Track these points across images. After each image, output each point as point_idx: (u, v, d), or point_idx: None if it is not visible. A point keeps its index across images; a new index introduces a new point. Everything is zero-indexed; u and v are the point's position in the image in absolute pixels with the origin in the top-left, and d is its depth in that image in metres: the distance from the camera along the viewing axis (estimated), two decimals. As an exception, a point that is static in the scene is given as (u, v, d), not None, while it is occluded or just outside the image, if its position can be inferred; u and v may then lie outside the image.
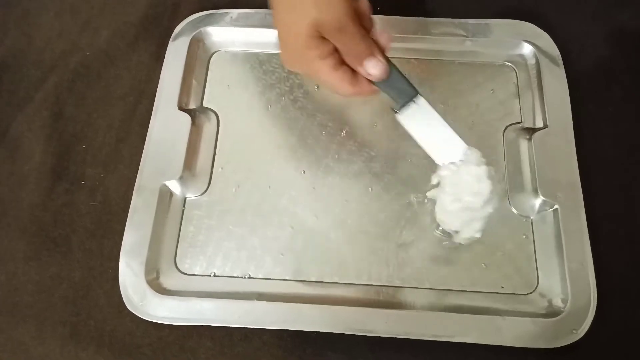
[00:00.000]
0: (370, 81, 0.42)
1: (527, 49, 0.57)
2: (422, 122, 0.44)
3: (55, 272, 0.49)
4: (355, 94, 0.42)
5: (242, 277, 0.48)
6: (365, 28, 0.40)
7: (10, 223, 0.51)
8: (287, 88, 0.56)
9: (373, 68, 0.41)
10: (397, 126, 0.54)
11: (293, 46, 0.41)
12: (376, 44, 0.41)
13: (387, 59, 0.41)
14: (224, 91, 0.56)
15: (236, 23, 0.57)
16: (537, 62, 0.55)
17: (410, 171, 0.52)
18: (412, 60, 0.57)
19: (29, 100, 0.57)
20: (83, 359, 0.46)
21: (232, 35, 0.58)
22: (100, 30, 0.61)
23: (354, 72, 0.41)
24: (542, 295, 0.47)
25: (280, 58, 0.44)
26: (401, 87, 0.43)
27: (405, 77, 0.43)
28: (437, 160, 0.45)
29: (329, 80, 0.41)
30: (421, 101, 0.44)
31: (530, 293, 0.47)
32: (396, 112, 0.44)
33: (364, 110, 0.55)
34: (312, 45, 0.39)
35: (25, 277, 0.49)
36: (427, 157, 0.52)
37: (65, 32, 0.61)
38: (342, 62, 0.41)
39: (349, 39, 0.39)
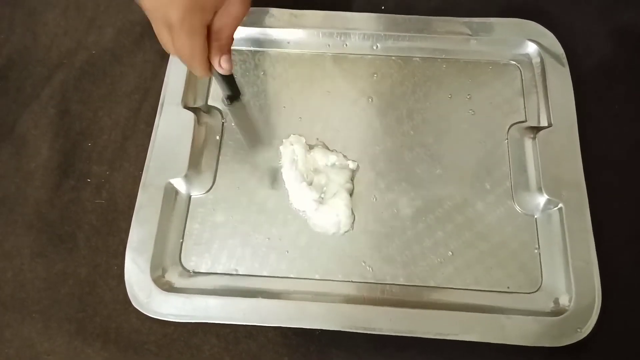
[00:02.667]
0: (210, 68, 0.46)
1: (531, 48, 0.56)
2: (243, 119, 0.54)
3: (62, 268, 0.50)
4: (200, 64, 0.44)
5: (246, 275, 0.48)
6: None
7: (16, 220, 0.52)
8: (292, 85, 0.56)
9: (226, 62, 0.45)
10: (402, 126, 0.54)
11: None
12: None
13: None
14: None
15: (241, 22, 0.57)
16: (542, 61, 0.55)
17: (414, 169, 0.52)
18: (417, 58, 0.57)
19: (35, 97, 0.57)
20: (89, 355, 0.47)
21: (236, 34, 0.57)
22: (106, 28, 0.61)
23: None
24: (547, 294, 0.47)
25: (150, 15, 0.42)
26: (233, 88, 0.53)
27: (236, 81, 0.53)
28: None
29: (195, 40, 0.42)
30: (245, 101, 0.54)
31: (535, 292, 0.47)
32: (226, 105, 0.55)
33: (366, 109, 0.55)
34: (206, 10, 0.41)
35: (31, 274, 0.50)
36: (432, 155, 0.53)
37: (71, 30, 0.61)
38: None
39: (232, 29, 0.44)
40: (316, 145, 0.53)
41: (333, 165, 0.51)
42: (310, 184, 0.50)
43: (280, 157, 0.52)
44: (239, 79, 0.55)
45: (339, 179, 0.50)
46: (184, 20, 0.40)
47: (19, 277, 0.50)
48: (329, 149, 0.53)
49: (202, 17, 0.41)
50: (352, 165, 0.52)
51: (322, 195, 0.50)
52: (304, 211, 0.50)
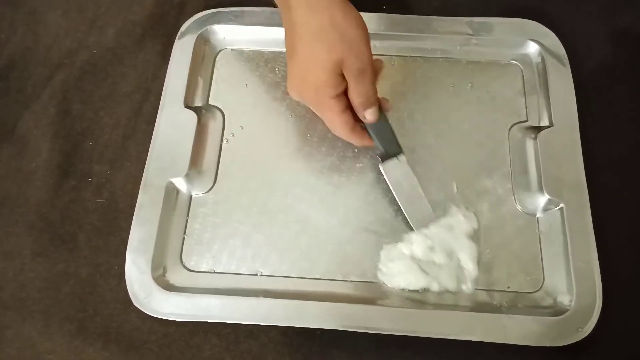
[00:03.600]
0: (367, 132, 0.47)
1: (532, 48, 0.56)
2: (401, 178, 0.49)
3: (62, 268, 0.50)
4: (349, 139, 0.47)
5: (247, 274, 0.48)
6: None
7: (17, 220, 0.52)
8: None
9: (371, 114, 0.45)
10: (403, 127, 0.54)
11: (311, 78, 0.43)
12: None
13: (383, 116, 0.47)
14: (230, 89, 0.57)
15: (242, 21, 0.58)
16: (543, 60, 0.55)
17: (415, 169, 0.52)
18: (418, 58, 0.57)
19: (36, 97, 0.57)
20: (90, 355, 0.47)
21: (238, 34, 0.58)
22: (107, 29, 0.61)
23: (355, 119, 0.46)
24: (548, 294, 0.47)
25: (288, 86, 0.46)
26: (390, 141, 0.48)
27: (395, 135, 0.48)
28: (411, 222, 0.49)
29: (335, 119, 0.45)
30: (403, 159, 0.49)
31: (536, 292, 0.47)
32: (381, 162, 0.49)
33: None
34: (332, 81, 0.42)
35: (32, 274, 0.50)
36: (433, 156, 0.53)
37: (72, 30, 0.61)
38: (349, 107, 0.45)
39: (365, 83, 0.42)
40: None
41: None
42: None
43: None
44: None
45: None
46: (317, 102, 0.45)
47: (19, 277, 0.50)
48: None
49: (330, 89, 0.42)
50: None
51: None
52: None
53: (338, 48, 0.40)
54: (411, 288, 0.47)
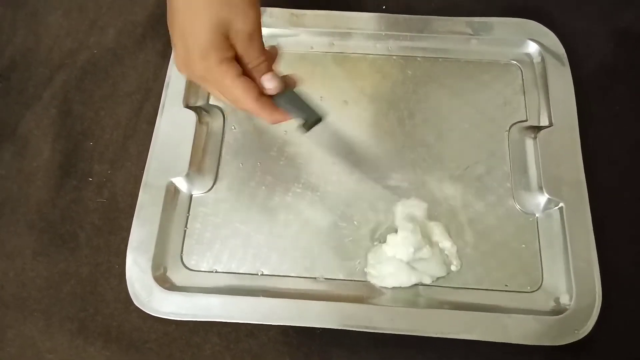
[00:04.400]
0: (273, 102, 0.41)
1: (532, 48, 0.57)
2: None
3: (63, 268, 0.50)
4: (257, 110, 0.40)
5: (248, 274, 0.48)
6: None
7: (18, 219, 0.52)
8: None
9: (269, 81, 0.40)
10: (403, 126, 0.54)
11: (196, 46, 0.37)
12: (286, 81, 0.41)
13: (294, 91, 0.42)
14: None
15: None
16: (543, 60, 0.56)
17: (416, 171, 0.52)
18: (418, 58, 0.57)
19: (37, 98, 0.58)
20: (91, 354, 0.47)
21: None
22: (108, 29, 0.61)
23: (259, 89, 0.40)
24: (547, 293, 0.47)
25: (176, 63, 0.41)
26: (307, 109, 0.42)
27: (310, 102, 0.42)
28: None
29: (232, 86, 0.38)
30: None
31: (535, 291, 0.47)
32: (305, 132, 0.44)
33: (368, 109, 0.55)
34: (217, 43, 0.37)
35: (33, 273, 0.50)
36: (434, 155, 0.53)
37: (73, 30, 0.61)
38: (244, 74, 0.39)
39: (255, 48, 0.38)
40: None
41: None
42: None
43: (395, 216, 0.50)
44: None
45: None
46: (206, 67, 0.38)
47: (20, 277, 0.50)
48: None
49: (219, 52, 0.37)
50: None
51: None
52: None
53: (220, 7, 0.36)
54: (404, 286, 0.47)
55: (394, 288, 0.47)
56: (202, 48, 0.37)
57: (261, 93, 0.40)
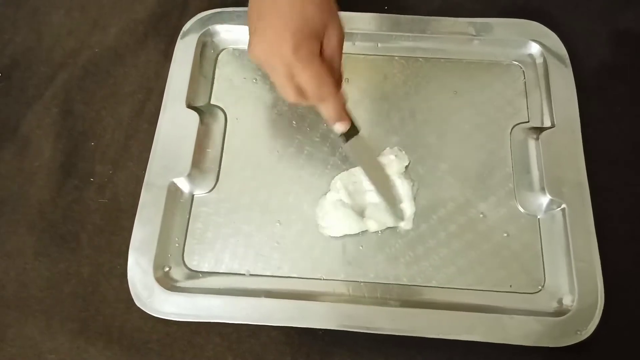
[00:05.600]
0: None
1: (534, 48, 0.57)
2: (364, 156, 0.49)
3: (64, 268, 0.50)
4: (333, 95, 0.42)
5: (249, 274, 0.48)
6: None
7: (19, 219, 0.52)
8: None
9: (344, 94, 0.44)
10: (405, 127, 0.54)
11: (291, 33, 0.40)
12: None
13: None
14: (232, 89, 0.57)
15: (244, 21, 0.57)
16: (545, 61, 0.56)
17: (417, 169, 0.52)
18: (420, 59, 0.57)
19: (38, 97, 0.57)
20: (92, 354, 0.47)
21: (240, 33, 0.58)
22: (109, 28, 0.61)
23: None
24: (549, 294, 0.47)
25: (253, 46, 0.42)
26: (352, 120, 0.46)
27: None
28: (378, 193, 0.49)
29: (322, 74, 0.41)
30: (362, 137, 0.47)
31: (537, 292, 0.47)
32: (344, 142, 0.46)
33: (369, 109, 0.55)
34: (313, 40, 0.41)
35: (34, 273, 0.50)
36: (435, 156, 0.53)
37: (74, 30, 0.61)
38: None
39: (341, 54, 0.43)
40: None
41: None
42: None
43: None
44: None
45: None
46: (298, 51, 0.40)
47: (21, 277, 0.50)
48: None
49: (312, 44, 0.40)
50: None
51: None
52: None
53: (325, 9, 0.41)
54: (352, 233, 0.49)
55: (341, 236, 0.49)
56: (299, 36, 0.40)
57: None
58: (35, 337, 0.48)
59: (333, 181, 0.51)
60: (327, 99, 0.42)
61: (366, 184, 0.50)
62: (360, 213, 0.49)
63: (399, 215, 0.49)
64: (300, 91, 0.42)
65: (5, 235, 0.51)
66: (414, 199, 0.50)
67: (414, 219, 0.50)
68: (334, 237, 0.49)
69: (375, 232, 0.49)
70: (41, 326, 0.48)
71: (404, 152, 0.52)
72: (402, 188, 0.50)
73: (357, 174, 0.51)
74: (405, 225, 0.49)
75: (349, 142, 0.46)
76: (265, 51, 0.41)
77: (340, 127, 0.45)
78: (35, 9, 0.63)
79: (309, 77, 0.41)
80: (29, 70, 0.59)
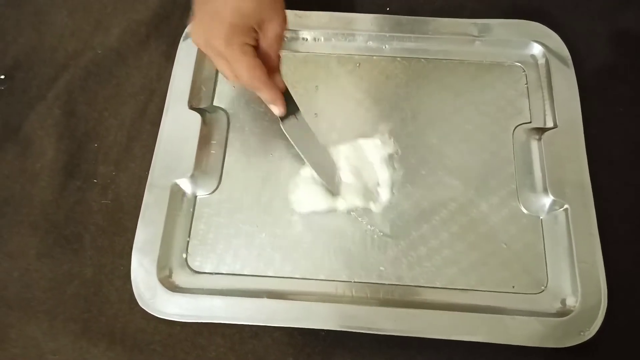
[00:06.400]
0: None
1: (536, 49, 0.57)
2: (302, 135, 0.49)
3: (67, 269, 0.50)
4: (264, 86, 0.44)
5: (252, 275, 0.48)
6: None
7: (22, 220, 0.52)
8: (297, 86, 0.56)
9: (280, 82, 0.46)
10: (407, 127, 0.54)
11: (224, 24, 0.42)
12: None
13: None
14: (234, 90, 0.57)
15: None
16: (547, 62, 0.56)
17: (419, 170, 0.52)
18: (422, 59, 0.57)
19: (41, 98, 0.58)
20: (94, 355, 0.47)
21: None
22: (112, 29, 0.61)
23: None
24: (552, 295, 0.47)
25: (195, 28, 0.45)
26: (289, 100, 0.48)
27: (291, 95, 0.48)
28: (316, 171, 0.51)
29: (251, 62, 0.43)
30: (300, 117, 0.49)
31: (540, 293, 0.47)
32: (281, 121, 0.48)
33: (371, 110, 0.55)
34: (246, 31, 0.42)
35: (37, 274, 0.50)
36: (437, 157, 0.53)
37: (77, 31, 0.61)
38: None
39: (278, 48, 0.45)
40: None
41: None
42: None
43: None
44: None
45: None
46: (230, 44, 0.42)
47: (24, 277, 0.50)
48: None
49: (244, 38, 0.42)
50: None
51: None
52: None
53: (265, 8, 0.42)
54: (318, 209, 0.50)
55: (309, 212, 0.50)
56: (232, 29, 0.42)
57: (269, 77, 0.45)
58: (38, 337, 0.48)
59: None
60: (259, 88, 0.45)
61: (342, 164, 0.51)
62: (329, 191, 0.50)
63: (335, 191, 0.50)
64: (236, 76, 0.44)
65: (8, 236, 0.51)
66: (392, 185, 0.51)
67: (411, 221, 0.50)
68: (302, 213, 0.50)
69: (348, 213, 0.50)
70: (44, 327, 0.48)
71: (392, 140, 0.53)
72: (381, 174, 0.51)
73: (336, 151, 0.52)
74: (375, 208, 0.50)
75: (285, 122, 0.48)
76: (202, 39, 0.44)
77: (275, 111, 0.47)
78: (38, 10, 0.63)
79: (240, 69, 0.43)
80: (32, 72, 0.59)
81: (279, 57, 0.46)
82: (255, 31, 0.43)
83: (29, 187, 0.53)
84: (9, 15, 0.62)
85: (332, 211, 0.50)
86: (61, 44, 0.61)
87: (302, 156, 0.50)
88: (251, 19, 0.42)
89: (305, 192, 0.50)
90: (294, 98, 0.49)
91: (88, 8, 0.62)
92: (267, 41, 0.44)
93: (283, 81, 0.47)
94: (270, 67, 0.45)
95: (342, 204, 0.50)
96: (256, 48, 0.44)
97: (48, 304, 0.49)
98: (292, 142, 0.49)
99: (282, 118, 0.48)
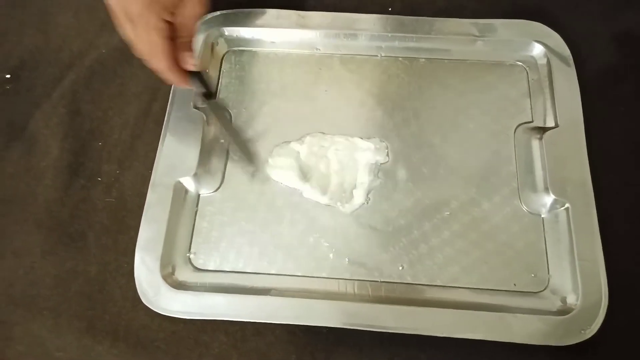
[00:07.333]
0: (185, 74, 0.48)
1: (538, 49, 0.57)
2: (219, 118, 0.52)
3: (72, 266, 0.50)
4: (171, 72, 0.46)
5: (254, 273, 0.49)
6: None
7: (27, 218, 0.52)
8: (300, 87, 0.57)
9: (191, 57, 0.46)
10: (409, 127, 0.54)
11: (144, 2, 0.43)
12: None
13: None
14: (238, 89, 0.57)
15: (250, 22, 0.58)
16: (548, 62, 0.56)
17: (421, 169, 0.52)
18: (423, 59, 0.58)
19: (46, 97, 0.58)
20: (99, 352, 0.47)
21: (245, 35, 0.59)
22: (116, 29, 0.61)
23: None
24: (553, 293, 0.47)
25: (112, 9, 0.45)
26: (206, 87, 0.50)
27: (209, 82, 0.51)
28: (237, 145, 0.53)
29: (159, 43, 0.44)
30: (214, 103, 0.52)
31: (541, 291, 0.47)
32: (201, 105, 0.52)
33: (374, 109, 0.55)
34: (160, 7, 0.43)
35: (42, 271, 0.50)
36: (439, 156, 0.53)
37: (82, 30, 0.62)
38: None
39: (193, 27, 0.46)
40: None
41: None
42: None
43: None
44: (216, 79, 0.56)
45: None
46: (141, 15, 0.43)
47: (29, 275, 0.50)
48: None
49: (160, 12, 0.43)
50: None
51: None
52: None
53: None
54: (286, 184, 0.52)
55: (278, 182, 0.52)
56: (146, 5, 0.42)
57: (176, 60, 0.46)
58: (43, 335, 0.48)
59: (305, 134, 0.53)
60: (160, 66, 0.46)
61: (330, 154, 0.52)
62: (305, 175, 0.51)
63: (252, 160, 0.52)
64: (137, 50, 0.45)
65: (13, 234, 0.52)
66: (369, 192, 0.51)
67: (412, 219, 0.50)
68: (276, 181, 0.52)
69: (351, 212, 0.51)
70: (49, 324, 0.48)
71: (387, 151, 0.53)
72: (361, 177, 0.52)
73: (330, 141, 0.53)
74: (346, 209, 0.51)
75: (205, 105, 0.53)
76: (117, 5, 0.44)
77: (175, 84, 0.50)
78: (43, 10, 0.63)
79: (143, 45, 0.45)
80: (37, 71, 0.60)
81: (192, 36, 0.46)
82: (173, 6, 0.44)
83: (34, 186, 0.54)
84: (14, 15, 0.63)
85: (297, 192, 0.52)
86: (66, 43, 0.61)
87: (227, 134, 0.53)
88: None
89: (282, 163, 0.52)
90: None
91: (93, 8, 0.63)
92: (182, 19, 0.44)
93: (193, 62, 0.46)
94: (181, 45, 0.45)
95: (308, 192, 0.51)
96: (171, 24, 0.44)
97: (53, 302, 0.49)
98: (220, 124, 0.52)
99: (202, 98, 0.51)
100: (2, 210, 0.53)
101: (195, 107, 0.54)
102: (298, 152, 0.52)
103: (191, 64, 0.46)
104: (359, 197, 0.51)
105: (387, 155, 0.53)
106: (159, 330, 0.48)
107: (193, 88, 0.50)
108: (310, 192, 0.51)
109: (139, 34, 0.44)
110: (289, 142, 0.53)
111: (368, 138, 0.54)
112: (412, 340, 0.45)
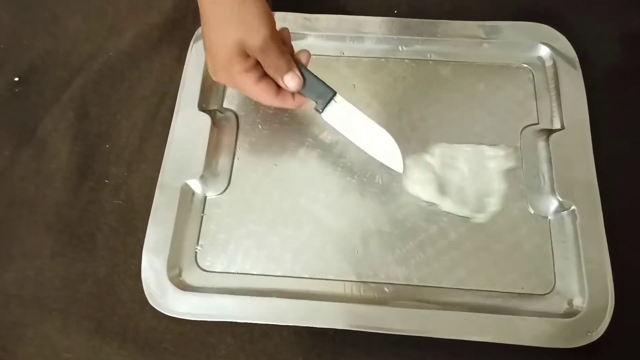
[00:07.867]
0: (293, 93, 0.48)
1: (544, 51, 0.57)
2: (345, 118, 0.49)
3: (81, 268, 0.51)
4: (280, 105, 0.48)
5: (261, 275, 0.49)
6: (286, 47, 0.47)
7: (37, 220, 0.53)
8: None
9: (290, 81, 0.46)
10: (415, 130, 0.54)
11: (220, 60, 0.46)
12: (296, 60, 0.47)
13: (305, 71, 0.47)
14: (240, 94, 0.57)
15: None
16: (554, 64, 0.56)
17: (428, 174, 0.52)
18: (430, 62, 0.58)
19: (55, 101, 0.59)
20: (107, 353, 0.48)
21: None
22: (125, 33, 0.62)
23: (278, 85, 0.47)
24: (560, 296, 0.47)
25: (210, 72, 0.48)
26: (319, 90, 0.48)
27: (321, 80, 0.48)
28: (372, 154, 0.50)
29: (251, 91, 0.47)
30: (339, 99, 0.48)
31: (548, 293, 0.47)
32: (320, 113, 0.48)
33: (380, 112, 0.56)
34: (236, 60, 0.44)
35: (51, 273, 0.51)
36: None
37: (92, 34, 0.62)
38: (265, 75, 0.46)
39: (271, 57, 0.45)
40: None
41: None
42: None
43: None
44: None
45: None
46: (230, 78, 0.46)
47: (39, 277, 0.51)
48: None
49: (239, 65, 0.44)
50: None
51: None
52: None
53: (236, 27, 0.43)
54: (424, 199, 0.51)
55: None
56: (224, 62, 0.45)
57: (279, 89, 0.47)
58: (52, 336, 0.48)
59: (435, 146, 0.53)
60: (270, 105, 0.48)
61: (460, 164, 0.52)
62: (441, 187, 0.50)
63: (399, 169, 0.49)
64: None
65: (23, 236, 0.52)
66: (504, 198, 0.51)
67: (419, 222, 0.50)
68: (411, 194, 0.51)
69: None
70: (58, 325, 0.49)
71: (514, 151, 0.53)
72: (499, 186, 0.51)
73: (458, 151, 0.52)
74: (478, 219, 0.50)
75: (325, 111, 0.48)
76: (213, 76, 0.49)
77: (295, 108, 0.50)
78: (53, 15, 0.64)
79: (251, 95, 0.48)
80: (47, 75, 0.60)
81: (277, 63, 0.45)
82: (244, 53, 0.44)
83: (43, 188, 0.54)
84: (25, 20, 0.64)
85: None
86: (75, 47, 0.62)
87: (354, 143, 0.50)
88: (234, 43, 0.43)
89: (419, 177, 0.51)
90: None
91: (102, 13, 0.63)
92: (257, 56, 0.44)
93: (299, 76, 0.46)
94: (272, 74, 0.46)
95: (446, 205, 0.50)
96: (259, 63, 0.45)
97: (62, 303, 0.50)
98: (338, 130, 0.49)
99: (318, 109, 0.48)
100: (13, 213, 0.54)
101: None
102: (430, 164, 0.51)
103: (291, 87, 0.46)
104: (494, 205, 0.50)
105: (517, 158, 0.52)
106: (167, 332, 0.48)
107: (312, 99, 0.48)
108: (448, 207, 0.50)
109: (243, 92, 0.48)
110: (420, 153, 0.52)
111: (494, 145, 0.53)
112: (419, 342, 0.45)
